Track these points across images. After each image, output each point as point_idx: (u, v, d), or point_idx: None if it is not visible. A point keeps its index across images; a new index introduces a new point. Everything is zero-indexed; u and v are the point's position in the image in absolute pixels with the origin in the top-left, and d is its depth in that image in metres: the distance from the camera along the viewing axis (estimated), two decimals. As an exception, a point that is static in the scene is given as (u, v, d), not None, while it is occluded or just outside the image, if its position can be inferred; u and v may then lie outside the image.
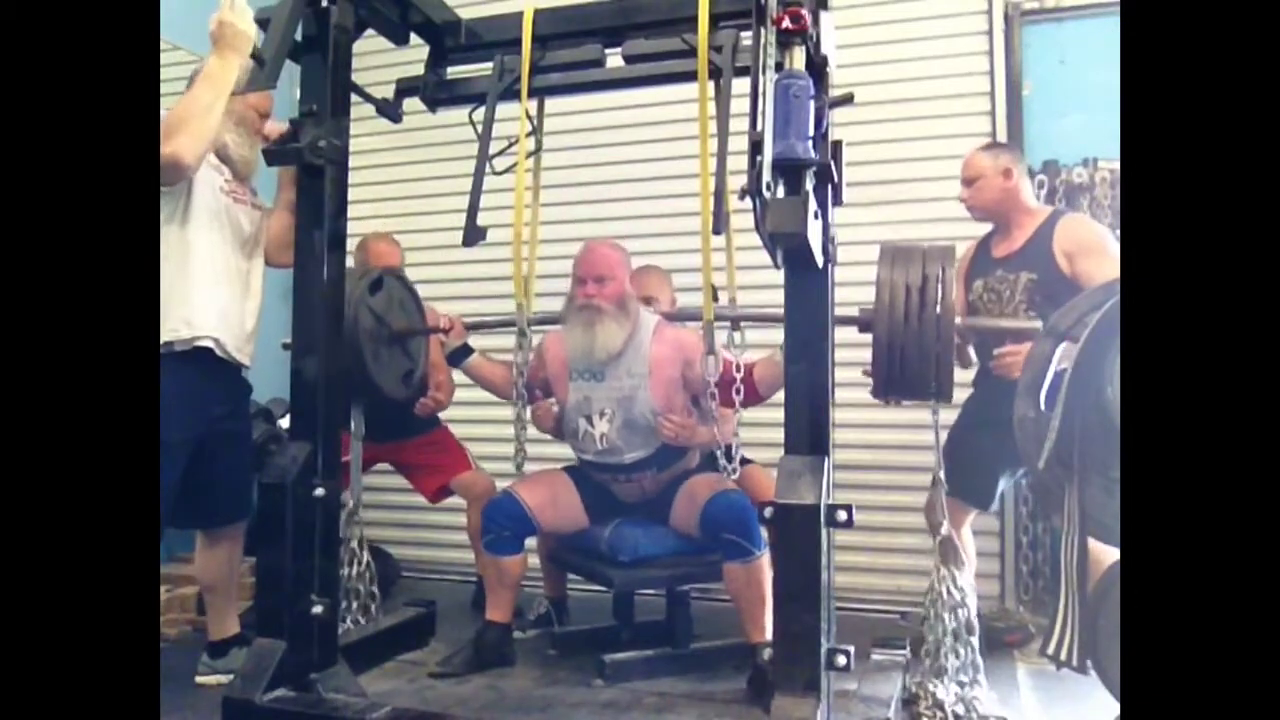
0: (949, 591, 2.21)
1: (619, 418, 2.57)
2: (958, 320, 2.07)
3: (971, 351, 2.77)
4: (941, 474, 2.27)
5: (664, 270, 3.03)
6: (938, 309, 1.96)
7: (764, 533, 2.47)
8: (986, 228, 2.85)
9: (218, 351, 2.33)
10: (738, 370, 2.21)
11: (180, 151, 2.07)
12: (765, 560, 2.46)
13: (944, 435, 2.28)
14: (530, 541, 2.71)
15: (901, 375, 2.00)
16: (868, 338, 2.08)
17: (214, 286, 2.34)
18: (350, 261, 3.17)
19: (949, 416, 2.57)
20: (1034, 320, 2.47)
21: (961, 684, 2.21)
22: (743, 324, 2.24)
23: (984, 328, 2.61)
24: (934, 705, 2.18)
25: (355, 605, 2.59)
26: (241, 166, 2.44)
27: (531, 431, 2.53)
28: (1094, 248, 2.56)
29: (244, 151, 2.40)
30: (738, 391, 2.20)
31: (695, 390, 2.54)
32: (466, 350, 2.70)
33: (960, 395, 2.77)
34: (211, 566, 2.55)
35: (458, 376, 3.55)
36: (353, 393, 2.55)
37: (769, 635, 2.42)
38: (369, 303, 2.51)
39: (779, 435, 1.85)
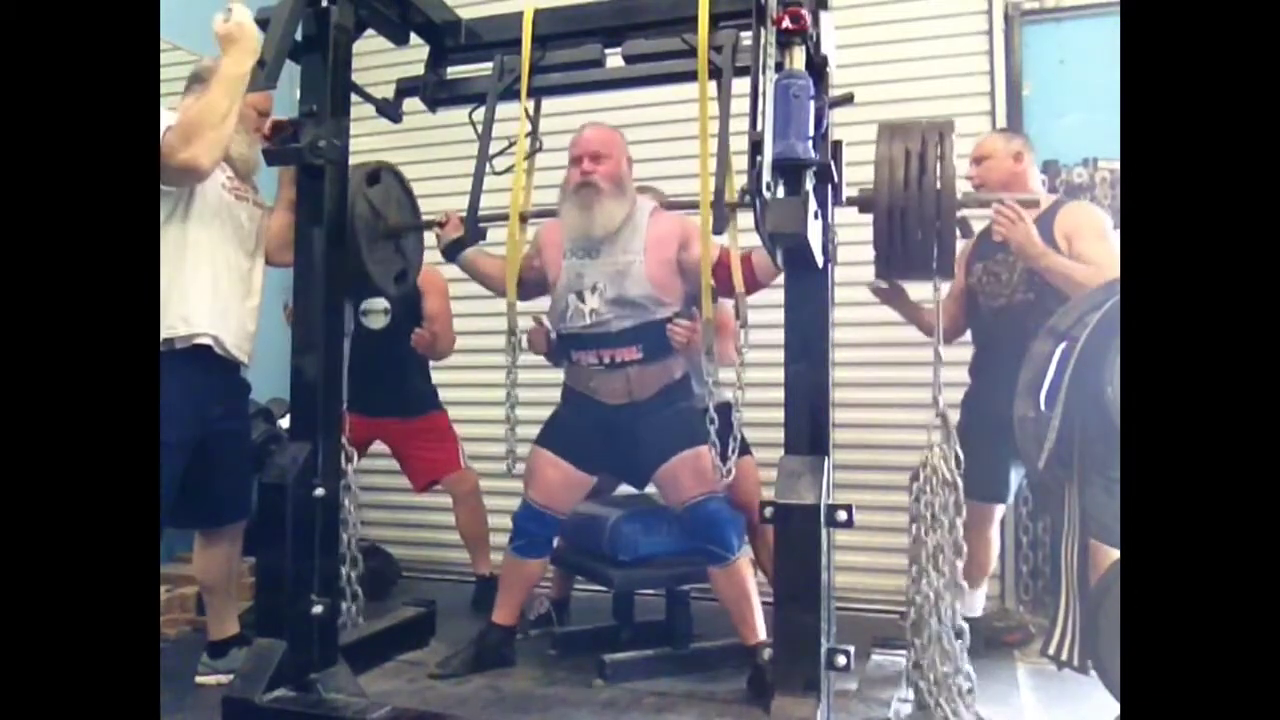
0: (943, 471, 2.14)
1: (611, 291, 2.48)
2: (959, 194, 2.00)
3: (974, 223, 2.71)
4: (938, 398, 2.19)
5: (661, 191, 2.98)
6: (939, 176, 1.90)
7: (741, 534, 2.49)
8: (985, 220, 2.85)
9: (217, 350, 2.33)
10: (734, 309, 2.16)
11: (198, 156, 2.09)
12: (743, 562, 2.47)
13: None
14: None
15: (903, 248, 1.93)
16: (868, 337, 2.08)
17: (214, 284, 2.33)
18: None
19: (950, 400, 2.54)
20: (1034, 195, 2.44)
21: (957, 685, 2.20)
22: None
23: (985, 200, 2.54)
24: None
25: (350, 607, 2.58)
26: (241, 165, 2.44)
27: (521, 432, 2.51)
28: (1092, 230, 2.57)
29: (244, 150, 2.40)
30: (738, 322, 2.16)
31: (691, 275, 2.43)
32: (461, 244, 2.62)
33: (958, 394, 2.79)
34: (210, 566, 2.55)
35: (461, 377, 3.60)
36: (347, 286, 2.41)
37: (762, 635, 2.44)
38: (366, 193, 2.44)
39: (779, 435, 1.85)
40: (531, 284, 2.62)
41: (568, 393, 2.66)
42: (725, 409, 2.26)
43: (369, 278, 2.43)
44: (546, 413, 2.73)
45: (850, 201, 1.95)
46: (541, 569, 2.67)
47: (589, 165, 2.47)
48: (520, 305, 2.46)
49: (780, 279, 1.97)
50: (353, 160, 2.23)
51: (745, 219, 1.73)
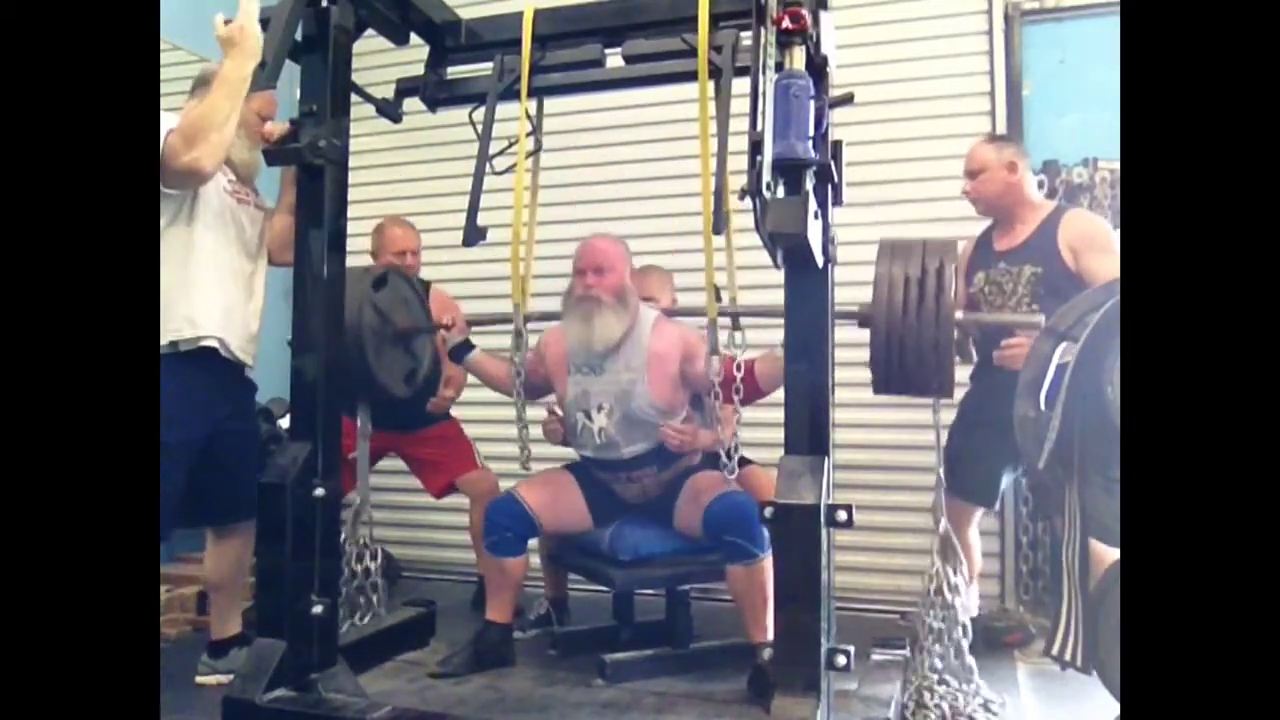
0: (945, 591, 2.20)
1: (617, 412, 2.56)
2: (958, 315, 2.05)
3: (972, 348, 2.76)
4: (942, 472, 2.26)
5: (665, 271, 3.03)
6: (937, 303, 1.94)
7: (766, 534, 2.48)
8: (986, 224, 2.85)
9: (222, 352, 2.34)
10: (738, 369, 2.21)
11: (201, 159, 2.10)
12: (768, 562, 2.46)
13: (944, 435, 2.27)
14: (532, 542, 2.71)
15: (901, 370, 1.98)
16: (868, 337, 2.08)
17: (218, 287, 2.34)
18: (367, 244, 3.21)
19: (948, 416, 2.56)
20: (1036, 314, 2.46)
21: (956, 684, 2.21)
22: (742, 321, 2.23)
23: (986, 322, 2.59)
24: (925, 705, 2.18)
25: (358, 612, 2.62)
26: (242, 169, 2.45)
27: (535, 431, 2.53)
28: (1100, 244, 2.56)
29: (245, 155, 2.41)
30: (737, 391, 2.20)
31: (694, 387, 2.54)
32: (468, 346, 2.70)
33: (958, 394, 2.78)
34: (221, 564, 2.56)
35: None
36: (355, 391, 2.55)
37: (770, 635, 2.44)
38: (373, 299, 2.51)
39: (779, 435, 1.85)
40: (537, 388, 2.72)
41: (587, 469, 2.74)
42: (732, 451, 2.31)
43: (381, 387, 2.53)
44: (553, 403, 2.75)
45: (848, 315, 2.03)
46: (523, 566, 2.67)
47: (592, 279, 2.54)
48: (529, 305, 2.48)
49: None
50: (353, 160, 2.23)
51: (745, 219, 1.73)
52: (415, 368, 2.67)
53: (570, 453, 2.78)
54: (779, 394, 1.89)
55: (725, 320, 2.25)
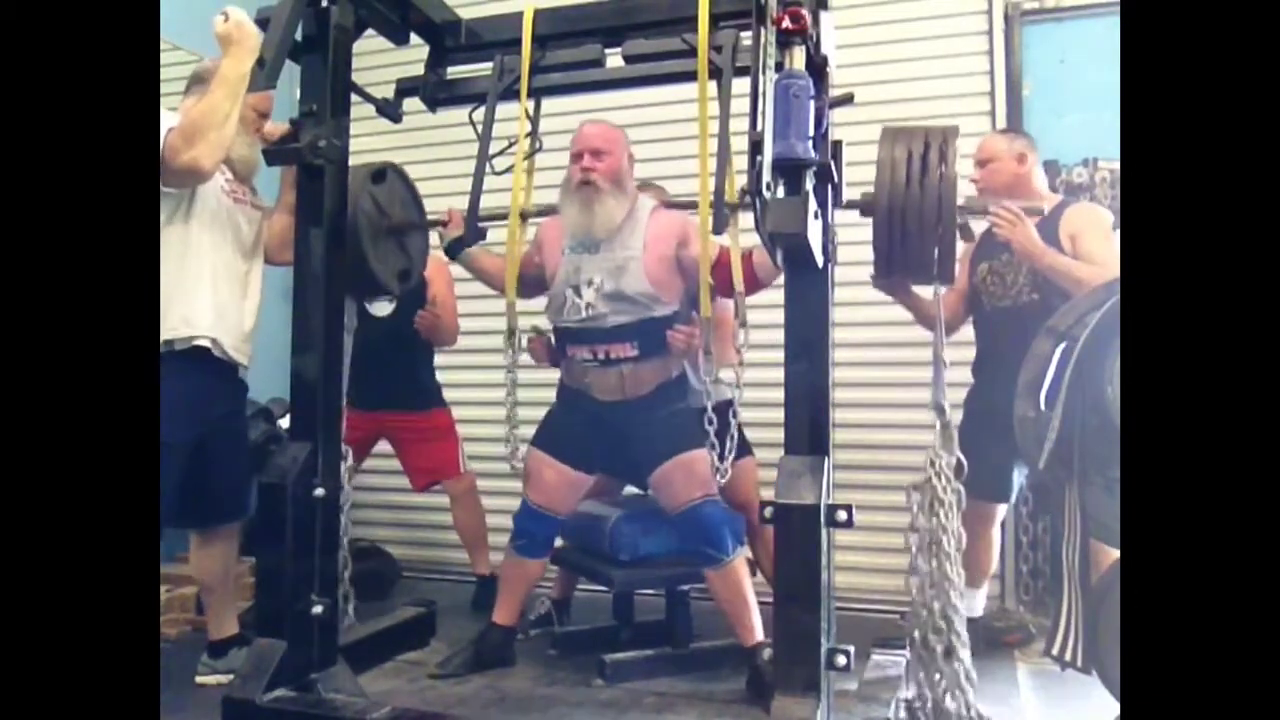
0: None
1: (608, 285, 2.47)
2: (960, 201, 1.99)
3: (975, 227, 2.68)
4: (943, 400, 2.19)
5: (663, 189, 2.97)
6: (940, 179, 1.88)
7: (738, 534, 2.49)
8: (986, 225, 2.85)
9: (215, 351, 2.34)
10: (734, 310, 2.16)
11: (200, 158, 2.09)
12: (738, 563, 2.47)
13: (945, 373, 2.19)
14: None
15: (903, 250, 1.91)
16: (868, 337, 2.08)
17: (213, 286, 2.34)
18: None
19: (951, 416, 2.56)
20: (1039, 201, 2.43)
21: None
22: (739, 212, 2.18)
23: (990, 202, 2.53)
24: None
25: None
26: (241, 167, 2.44)
27: (523, 431, 2.51)
28: (1097, 230, 2.57)
29: (243, 152, 2.41)
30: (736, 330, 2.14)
31: (689, 274, 2.44)
32: (463, 242, 2.60)
33: (959, 394, 2.78)
34: (208, 566, 2.55)
35: (461, 377, 3.60)
36: (349, 284, 2.39)
37: (759, 636, 2.44)
38: (370, 190, 2.44)
39: (779, 435, 1.85)
40: (532, 281, 2.61)
41: (562, 390, 2.67)
42: (724, 408, 2.25)
43: (372, 275, 2.42)
44: (546, 411, 2.74)
45: (851, 205, 1.94)
46: (542, 569, 2.67)
47: (590, 161, 2.47)
48: (520, 304, 2.45)
49: (780, 279, 1.96)
50: (353, 160, 2.23)
51: (745, 219, 1.73)
52: (408, 267, 2.58)
53: (543, 410, 2.70)
54: (779, 394, 1.88)
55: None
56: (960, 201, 1.98)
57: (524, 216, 2.40)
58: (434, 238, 2.72)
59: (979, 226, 2.87)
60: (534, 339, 2.65)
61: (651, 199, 2.63)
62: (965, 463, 2.04)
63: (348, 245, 2.24)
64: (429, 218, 2.66)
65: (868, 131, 2.02)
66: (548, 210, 2.57)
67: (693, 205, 2.34)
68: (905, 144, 1.92)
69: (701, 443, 2.32)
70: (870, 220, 1.94)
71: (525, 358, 2.52)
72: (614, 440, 2.56)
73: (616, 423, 2.54)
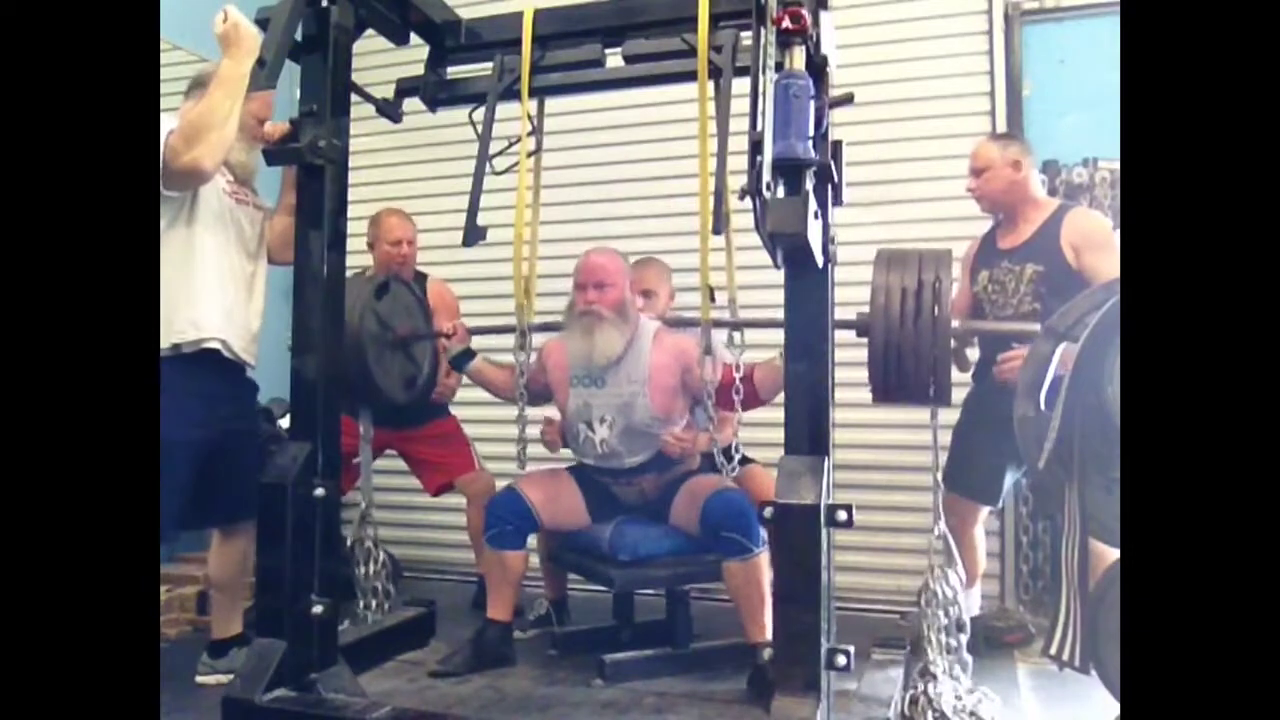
0: (942, 590, 2.20)
1: (619, 424, 2.58)
2: (955, 324, 2.06)
3: (970, 354, 2.76)
4: (939, 475, 2.26)
5: (663, 263, 3.02)
6: (934, 313, 1.95)
7: (763, 531, 2.48)
8: (986, 225, 2.85)
9: (224, 352, 2.34)
10: (737, 370, 2.21)
11: (201, 158, 2.10)
12: (764, 559, 2.46)
13: (943, 436, 2.28)
14: (531, 541, 2.71)
15: (899, 380, 2.00)
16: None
17: (220, 288, 2.34)
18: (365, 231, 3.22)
19: (949, 417, 2.56)
20: (1034, 324, 2.45)
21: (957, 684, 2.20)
22: (743, 327, 2.23)
23: (983, 330, 2.60)
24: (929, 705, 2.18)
25: (374, 603, 2.66)
26: (240, 171, 2.45)
27: (533, 431, 2.53)
28: (1101, 242, 2.56)
29: (242, 158, 2.41)
30: (737, 392, 2.21)
31: (695, 395, 2.54)
32: (469, 355, 2.71)
33: (960, 394, 2.78)
34: (226, 564, 2.56)
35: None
36: (357, 397, 2.56)
37: (769, 635, 2.43)
38: (374, 307, 2.53)
39: (779, 435, 1.85)
40: (537, 394, 2.73)
41: (586, 472, 2.75)
42: (728, 451, 2.34)
43: (378, 389, 2.53)
44: (549, 412, 2.74)
45: (845, 324, 2.02)
46: (523, 561, 2.67)
47: (593, 294, 2.56)
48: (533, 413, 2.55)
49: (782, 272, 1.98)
50: (353, 160, 2.23)
51: (745, 219, 1.73)
52: (415, 374, 2.69)
53: (568, 455, 2.79)
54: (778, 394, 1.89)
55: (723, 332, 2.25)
56: (956, 325, 2.06)
57: (523, 333, 2.45)
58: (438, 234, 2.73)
59: (978, 227, 2.89)
60: (548, 427, 2.75)
61: (654, 321, 2.69)
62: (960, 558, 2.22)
63: (353, 360, 2.35)
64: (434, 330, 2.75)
65: (868, 131, 2.03)
66: (551, 326, 2.66)
67: (694, 323, 2.40)
68: (899, 273, 1.99)
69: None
70: (870, 220, 1.95)
71: (532, 356, 2.53)
72: (632, 508, 2.74)
73: (639, 507, 2.73)
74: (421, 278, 3.30)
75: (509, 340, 2.46)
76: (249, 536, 2.53)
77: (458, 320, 2.78)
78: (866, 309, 2.06)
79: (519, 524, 2.62)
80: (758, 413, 2.44)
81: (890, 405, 2.19)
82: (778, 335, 1.91)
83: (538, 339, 2.70)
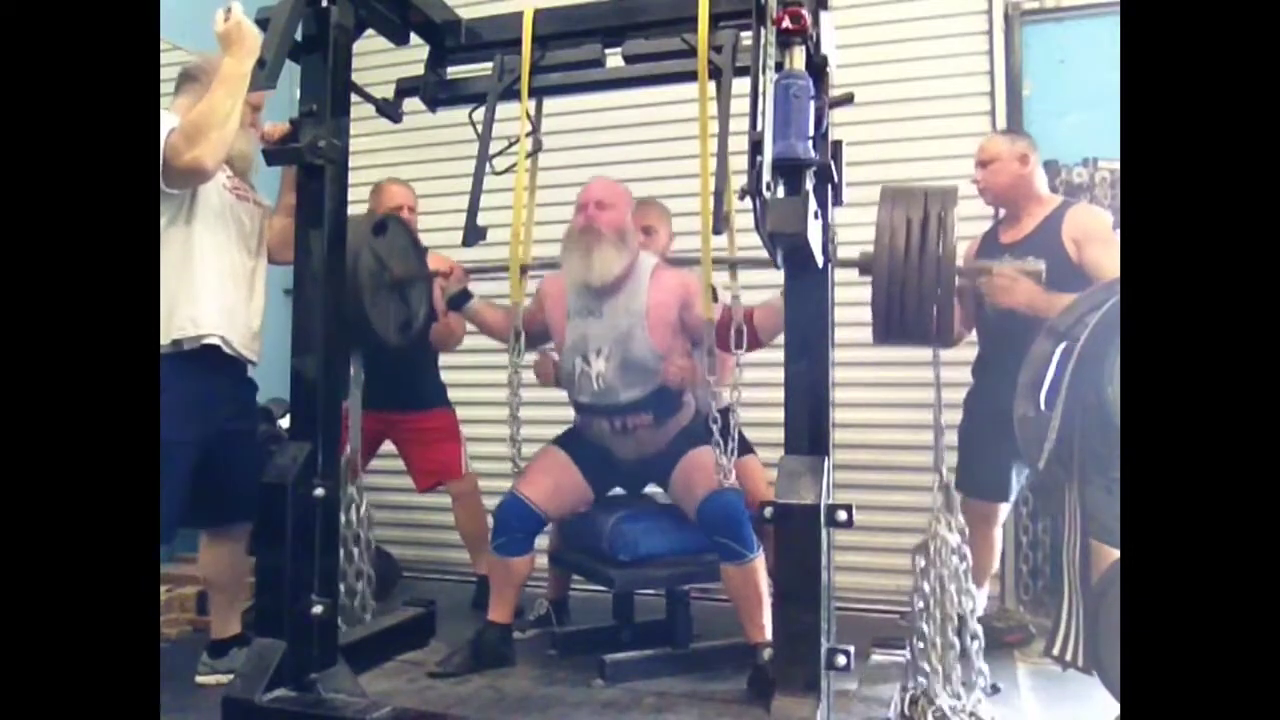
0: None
1: (616, 356, 2.52)
2: (959, 263, 2.01)
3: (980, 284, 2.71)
4: (944, 470, 2.23)
5: (664, 205, 2.99)
6: (939, 247, 1.90)
7: (760, 534, 2.48)
8: (986, 224, 2.85)
9: (225, 349, 2.34)
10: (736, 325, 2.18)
11: (203, 157, 2.10)
12: (759, 561, 2.46)
13: (948, 441, 2.24)
14: (539, 542, 2.71)
15: (901, 317, 1.94)
16: (868, 337, 2.08)
17: (220, 285, 2.34)
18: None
19: (951, 417, 2.56)
20: (1039, 263, 2.45)
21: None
22: (740, 267, 2.20)
23: (988, 268, 2.55)
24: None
25: (360, 587, 2.67)
26: (240, 161, 2.44)
27: (526, 431, 2.52)
28: (1102, 236, 2.56)
29: (242, 147, 2.40)
30: (740, 332, 2.16)
31: (693, 333, 2.50)
32: (466, 295, 2.67)
33: (959, 394, 2.79)
34: (218, 566, 2.56)
35: (465, 376, 3.60)
36: (350, 338, 2.48)
37: (769, 635, 2.43)
38: (372, 244, 2.45)
39: (779, 435, 1.85)
40: (536, 335, 2.68)
41: (579, 436, 2.71)
42: (724, 411, 2.29)
43: (373, 329, 2.46)
44: (550, 412, 2.74)
45: (848, 263, 1.98)
46: (529, 565, 2.66)
47: (593, 211, 2.52)
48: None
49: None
50: (353, 161, 2.23)
51: (746, 219, 1.73)
52: (409, 319, 2.60)
53: (558, 411, 2.75)
54: (779, 394, 1.88)
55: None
56: (960, 265, 2.01)
57: (524, 269, 2.43)
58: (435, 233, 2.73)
59: (978, 226, 2.89)
60: (540, 360, 2.69)
61: (653, 257, 2.65)
62: (967, 531, 2.14)
63: (348, 299, 2.28)
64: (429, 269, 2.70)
65: (868, 131, 2.03)
66: (548, 264, 2.63)
67: (694, 261, 2.36)
68: (904, 209, 1.94)
69: (707, 440, 2.35)
70: (870, 220, 1.94)
71: (530, 356, 2.53)
72: (631, 472, 2.69)
73: (635, 470, 2.68)
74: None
75: (505, 286, 2.44)
76: (239, 538, 2.53)
77: (454, 261, 2.72)
78: (868, 309, 2.04)
79: (527, 528, 2.61)
80: (758, 412, 2.44)
81: (892, 345, 2.12)
82: (777, 276, 1.89)
83: (533, 283, 2.67)
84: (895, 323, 1.97)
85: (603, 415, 2.60)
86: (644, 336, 2.52)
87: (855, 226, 2.03)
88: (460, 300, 2.68)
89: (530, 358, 2.61)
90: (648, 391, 2.54)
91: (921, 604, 2.13)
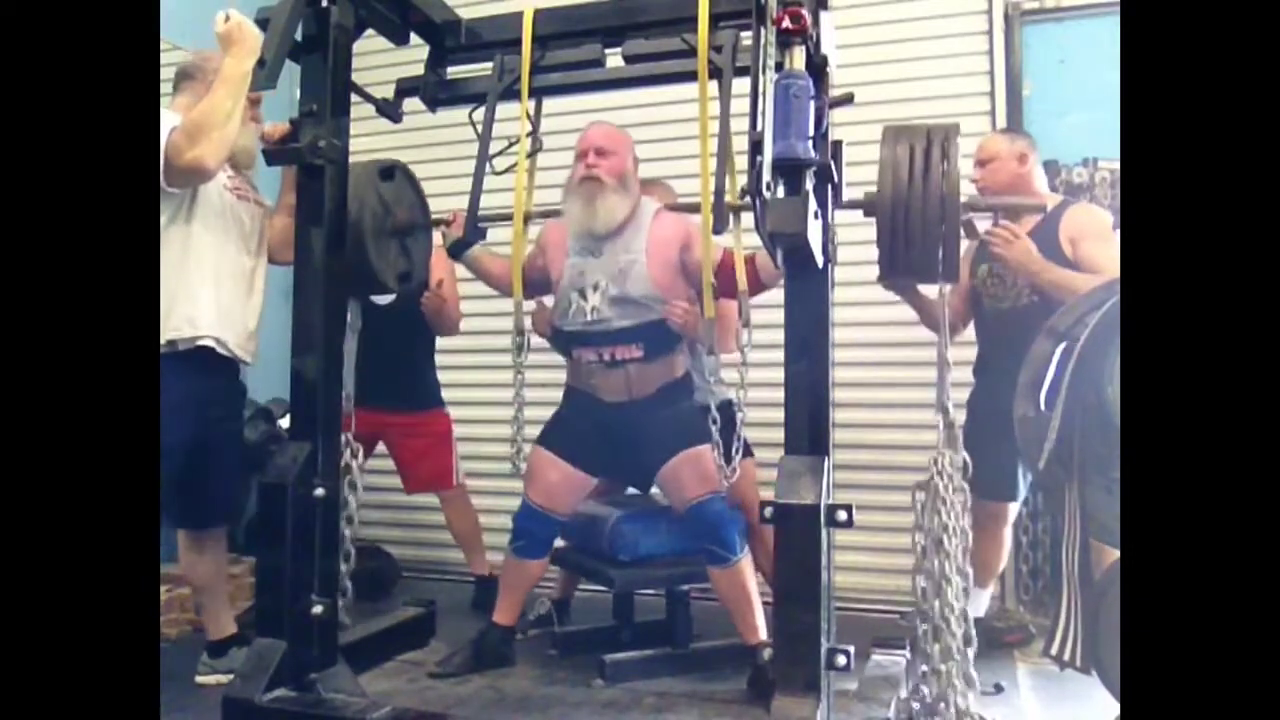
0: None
1: (612, 290, 2.47)
2: (964, 198, 1.98)
3: (980, 224, 2.68)
4: (942, 422, 2.18)
5: (671, 188, 2.96)
6: (943, 178, 1.86)
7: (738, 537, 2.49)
8: (986, 222, 2.85)
9: (219, 350, 2.34)
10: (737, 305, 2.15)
11: (204, 157, 2.10)
12: (745, 563, 2.47)
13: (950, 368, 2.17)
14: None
15: (906, 251, 1.89)
16: (868, 337, 2.07)
17: (216, 285, 2.34)
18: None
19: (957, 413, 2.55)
20: (1040, 200, 2.43)
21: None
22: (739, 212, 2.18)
23: (991, 205, 2.50)
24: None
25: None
26: (243, 156, 2.43)
27: (529, 432, 2.52)
28: (1097, 232, 2.57)
29: (243, 141, 2.39)
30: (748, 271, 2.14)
31: (693, 277, 2.44)
32: (467, 242, 2.61)
33: (961, 394, 2.78)
34: (200, 568, 2.55)
35: (465, 377, 3.60)
36: (351, 285, 2.39)
37: (762, 635, 2.44)
38: (378, 187, 2.42)
39: (779, 435, 1.85)
40: (536, 284, 2.62)
41: (569, 391, 2.67)
42: (727, 407, 2.26)
43: (373, 273, 2.39)
44: (551, 412, 2.73)
45: (853, 204, 1.93)
46: (542, 569, 2.67)
47: (594, 159, 2.48)
48: (526, 305, 2.46)
49: (782, 280, 1.96)
50: (353, 160, 2.23)
51: (746, 219, 1.73)
52: (409, 270, 2.54)
53: (546, 411, 2.72)
54: (779, 394, 1.88)
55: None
56: (964, 199, 1.98)
57: (527, 217, 2.40)
58: (436, 237, 2.72)
59: (981, 224, 2.88)
60: (537, 310, 2.65)
61: (655, 201, 2.62)
62: (970, 463, 2.02)
63: (350, 242, 2.23)
64: (433, 217, 2.66)
65: (868, 131, 2.02)
66: (551, 211, 2.58)
67: (695, 208, 2.33)
68: (907, 142, 1.90)
69: (706, 438, 2.32)
70: (872, 220, 1.93)
71: (532, 358, 2.51)
72: (620, 443, 2.56)
73: (623, 424, 2.54)
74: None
75: (507, 233, 2.41)
76: (218, 540, 2.53)
77: (457, 210, 2.64)
78: (868, 309, 2.04)
79: (545, 533, 2.61)
80: (758, 412, 2.43)
81: (898, 281, 2.06)
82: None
83: (534, 230, 2.63)
84: (900, 257, 1.91)
85: (591, 345, 2.52)
86: (643, 274, 2.46)
87: (855, 226, 2.02)
88: (461, 247, 2.63)
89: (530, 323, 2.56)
90: (639, 322, 2.46)
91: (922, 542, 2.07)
